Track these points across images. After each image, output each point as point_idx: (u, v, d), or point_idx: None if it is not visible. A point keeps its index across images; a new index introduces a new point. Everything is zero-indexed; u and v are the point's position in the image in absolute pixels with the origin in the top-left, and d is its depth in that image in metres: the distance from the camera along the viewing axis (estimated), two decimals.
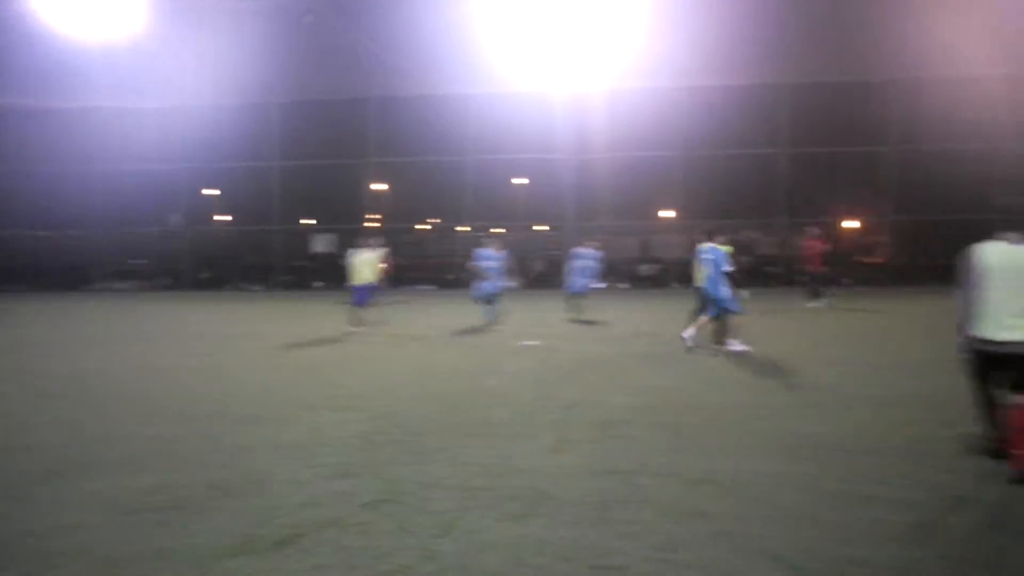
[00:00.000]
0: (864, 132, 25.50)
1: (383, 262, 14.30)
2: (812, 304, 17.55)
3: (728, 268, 10.63)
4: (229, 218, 33.71)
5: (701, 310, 11.37)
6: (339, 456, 5.43)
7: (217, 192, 32.23)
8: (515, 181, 30.43)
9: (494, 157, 26.81)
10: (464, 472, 5.03)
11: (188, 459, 5.39)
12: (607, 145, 25.59)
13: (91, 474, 5.06)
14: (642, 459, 5.28)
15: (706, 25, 18.19)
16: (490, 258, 14.54)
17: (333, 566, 3.60)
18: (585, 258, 15.67)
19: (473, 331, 13.62)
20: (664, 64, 21.24)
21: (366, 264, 13.66)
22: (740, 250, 17.87)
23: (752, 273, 23.98)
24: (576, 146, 25.73)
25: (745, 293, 12.93)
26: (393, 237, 17.10)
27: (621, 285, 26.97)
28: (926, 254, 26.32)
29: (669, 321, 13.43)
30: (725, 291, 10.51)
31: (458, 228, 29.23)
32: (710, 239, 10.85)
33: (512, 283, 15.77)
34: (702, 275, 11.10)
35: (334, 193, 30.19)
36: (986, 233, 5.02)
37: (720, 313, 10.59)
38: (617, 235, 27.46)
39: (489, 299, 14.52)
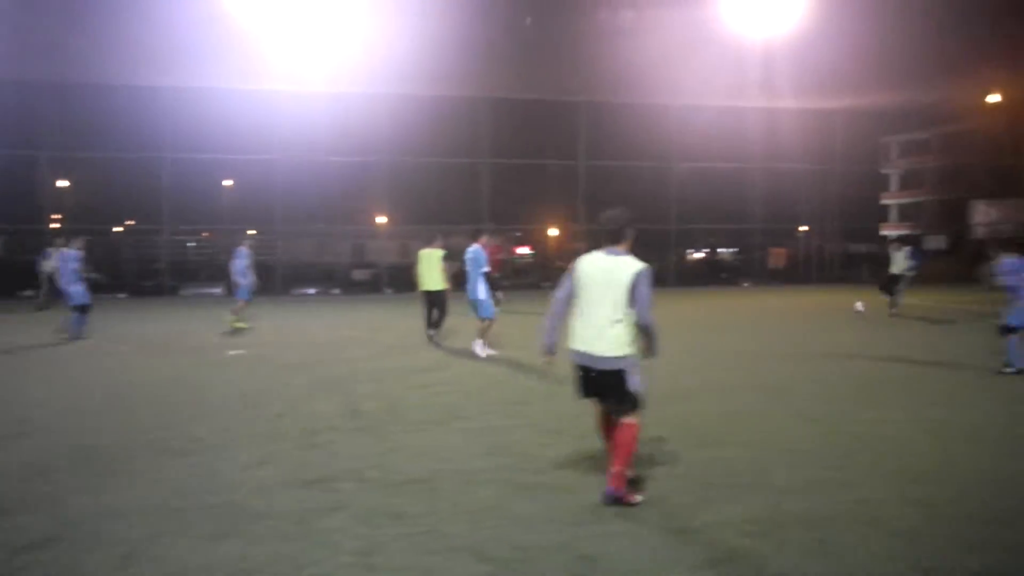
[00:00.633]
0: (559, 147, 27.99)
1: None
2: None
3: (486, 269, 10.60)
4: None
5: (430, 313, 11.62)
6: None
7: None
8: (224, 183, 28.70)
9: (194, 156, 24.67)
10: (156, 494, 4.71)
11: None
12: (319, 148, 25.10)
13: None
14: (345, 465, 5.35)
15: (421, 35, 18.65)
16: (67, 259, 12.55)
17: None
18: (244, 258, 14.03)
19: (177, 339, 12.58)
20: (377, 70, 21.33)
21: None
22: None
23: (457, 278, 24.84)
24: (286, 148, 24.84)
25: (500, 295, 13.16)
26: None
27: (334, 291, 26.64)
28: None
29: (382, 327, 13.56)
30: (483, 293, 10.52)
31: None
32: (475, 240, 10.80)
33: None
34: (430, 279, 11.33)
35: None
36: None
37: (478, 314, 10.60)
38: (329, 239, 27.03)
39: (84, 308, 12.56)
